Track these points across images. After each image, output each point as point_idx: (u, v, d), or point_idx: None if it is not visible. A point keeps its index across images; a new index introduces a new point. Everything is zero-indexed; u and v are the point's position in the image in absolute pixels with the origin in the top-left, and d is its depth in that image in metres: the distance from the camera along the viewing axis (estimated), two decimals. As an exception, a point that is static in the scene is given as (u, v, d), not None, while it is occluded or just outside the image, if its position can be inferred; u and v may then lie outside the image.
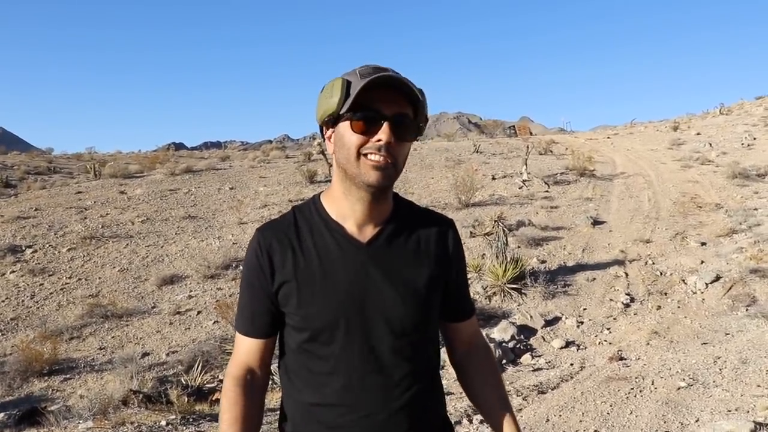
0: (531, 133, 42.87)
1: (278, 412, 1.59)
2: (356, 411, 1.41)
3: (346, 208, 1.46)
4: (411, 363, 1.47)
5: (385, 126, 1.35)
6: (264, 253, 1.46)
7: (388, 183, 1.41)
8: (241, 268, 11.23)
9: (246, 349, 1.51)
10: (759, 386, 5.18)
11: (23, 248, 12.89)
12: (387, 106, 1.36)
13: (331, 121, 1.42)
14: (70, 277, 11.45)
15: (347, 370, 1.42)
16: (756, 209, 13.50)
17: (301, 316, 1.43)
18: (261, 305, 1.48)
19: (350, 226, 1.46)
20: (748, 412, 4.65)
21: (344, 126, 1.39)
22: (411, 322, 1.46)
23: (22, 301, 10.47)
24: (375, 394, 1.43)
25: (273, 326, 1.50)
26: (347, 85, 1.36)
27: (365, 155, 1.37)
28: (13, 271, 11.66)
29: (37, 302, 10.45)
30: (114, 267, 11.95)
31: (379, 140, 1.35)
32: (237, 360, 1.52)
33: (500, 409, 1.55)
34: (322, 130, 1.48)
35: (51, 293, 10.79)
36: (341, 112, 1.37)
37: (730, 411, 4.74)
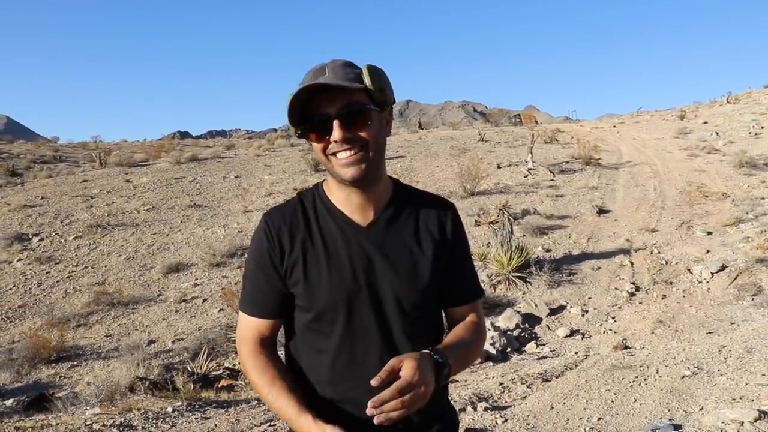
0: (536, 122, 42.79)
1: None
2: (361, 386, 1.42)
3: (343, 197, 1.52)
4: (412, 341, 1.50)
5: (334, 125, 1.40)
6: (274, 235, 1.51)
7: (365, 174, 1.44)
8: (246, 255, 11.25)
9: (257, 327, 1.54)
10: (764, 375, 5.18)
11: (30, 236, 12.96)
12: (329, 104, 1.40)
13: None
14: (76, 265, 11.51)
15: (351, 347, 1.48)
16: (763, 198, 13.44)
17: (308, 297, 1.48)
18: (270, 286, 1.52)
19: (350, 212, 1.53)
20: (752, 400, 4.65)
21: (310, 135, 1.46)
22: (411, 302, 1.51)
23: (29, 288, 10.54)
24: (378, 371, 1.40)
25: (281, 308, 1.54)
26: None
27: (333, 155, 1.43)
28: (20, 259, 11.72)
29: (44, 290, 10.51)
30: (120, 255, 12.00)
31: (335, 141, 1.41)
32: (249, 335, 1.54)
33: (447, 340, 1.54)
34: None
35: (58, 281, 10.85)
36: (295, 127, 1.46)
37: (734, 399, 4.74)
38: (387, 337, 1.49)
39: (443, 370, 1.38)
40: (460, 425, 1.69)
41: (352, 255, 1.49)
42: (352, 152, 1.42)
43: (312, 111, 1.42)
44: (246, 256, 1.58)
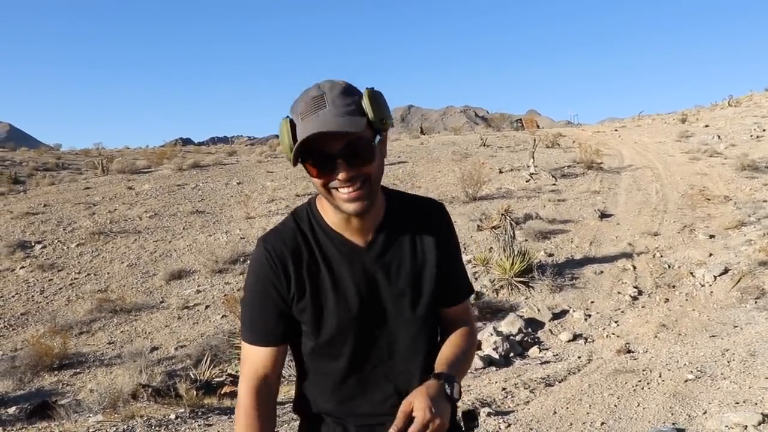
0: (538, 126, 42.83)
1: (287, 405, 1.63)
2: (367, 401, 1.50)
3: (341, 220, 1.48)
4: (416, 348, 1.54)
5: (338, 165, 1.34)
6: (276, 262, 1.46)
7: (366, 207, 1.41)
8: (249, 262, 11.27)
9: (262, 359, 1.50)
10: (767, 378, 5.16)
11: (32, 244, 12.98)
12: (332, 141, 1.33)
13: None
14: (79, 273, 11.53)
15: (360, 366, 1.51)
16: (765, 201, 13.41)
17: (315, 324, 1.48)
18: (275, 313, 1.48)
19: (349, 234, 1.49)
20: (756, 404, 4.63)
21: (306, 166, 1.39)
22: (415, 314, 1.52)
23: (32, 296, 10.56)
24: (388, 385, 1.51)
25: (287, 333, 1.51)
26: (292, 128, 1.37)
27: (335, 188, 1.38)
28: (22, 267, 11.75)
29: (46, 297, 10.53)
30: (122, 262, 12.02)
31: (339, 179, 1.35)
32: (252, 372, 1.50)
33: (444, 354, 1.54)
34: None
35: (60, 288, 10.87)
36: (293, 160, 1.37)
37: (738, 403, 4.72)
38: (392, 349, 1.52)
39: (454, 399, 1.39)
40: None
41: (356, 278, 1.48)
42: (354, 188, 1.37)
43: (313, 145, 1.33)
44: (246, 282, 1.53)
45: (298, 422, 1.65)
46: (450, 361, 1.49)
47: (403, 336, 1.52)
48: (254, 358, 1.49)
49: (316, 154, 1.34)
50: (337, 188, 1.37)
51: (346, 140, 1.33)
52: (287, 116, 1.40)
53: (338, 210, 1.42)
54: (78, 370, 8.13)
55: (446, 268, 1.59)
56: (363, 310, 1.47)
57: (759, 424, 3.95)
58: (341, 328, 1.47)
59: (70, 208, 15.78)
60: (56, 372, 8.07)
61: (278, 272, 1.45)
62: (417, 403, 1.30)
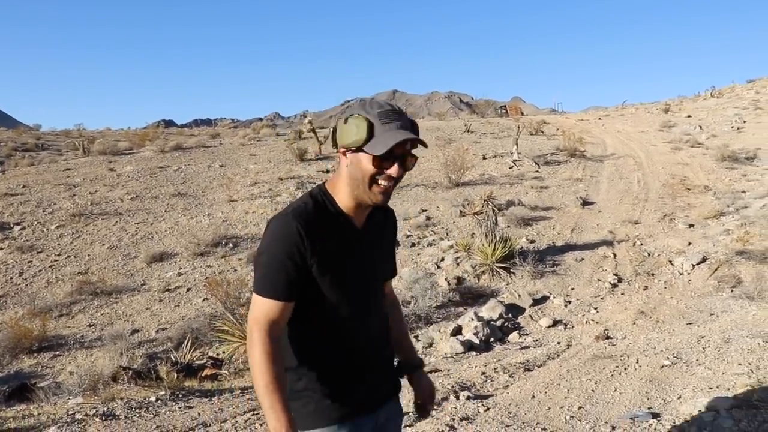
0: (522, 114, 42.82)
1: None
2: (361, 335, 1.93)
3: (353, 205, 1.86)
4: (383, 310, 2.09)
5: (397, 164, 1.75)
6: (305, 232, 1.76)
7: (388, 201, 1.83)
8: (231, 246, 11.32)
9: (276, 310, 1.78)
10: (740, 365, 5.25)
11: (11, 225, 12.82)
12: (401, 148, 1.73)
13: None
14: (59, 255, 11.42)
15: (358, 313, 1.93)
16: (744, 192, 13.60)
17: (331, 287, 1.83)
18: (297, 276, 1.77)
19: (354, 216, 1.90)
20: (728, 389, 4.72)
21: (364, 157, 1.74)
22: (385, 276, 2.12)
23: (11, 278, 10.44)
24: (376, 326, 2.01)
25: (297, 292, 1.80)
26: (371, 127, 1.71)
27: (376, 181, 1.76)
28: (1, 248, 11.60)
29: (25, 279, 10.42)
30: (103, 244, 11.91)
31: (390, 175, 1.75)
32: (265, 320, 1.77)
33: (405, 341, 2.26)
34: (336, 145, 1.84)
35: (40, 270, 10.76)
36: (365, 150, 1.72)
37: (711, 388, 4.81)
38: (377, 306, 2.01)
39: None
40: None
41: (359, 252, 1.89)
42: (391, 184, 1.78)
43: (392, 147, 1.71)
44: (267, 247, 1.77)
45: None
46: (413, 347, 2.32)
47: (378, 288, 2.04)
48: (268, 310, 1.77)
49: (386, 149, 1.70)
50: (378, 181, 1.76)
51: (408, 148, 1.77)
52: (359, 114, 1.73)
53: (363, 198, 1.81)
54: (58, 353, 8.08)
55: (393, 254, 2.18)
56: (367, 275, 1.94)
57: (731, 408, 4.04)
58: (350, 289, 1.87)
59: (50, 189, 15.58)
60: (35, 354, 8.02)
61: (305, 241, 1.75)
62: (432, 390, 2.24)
